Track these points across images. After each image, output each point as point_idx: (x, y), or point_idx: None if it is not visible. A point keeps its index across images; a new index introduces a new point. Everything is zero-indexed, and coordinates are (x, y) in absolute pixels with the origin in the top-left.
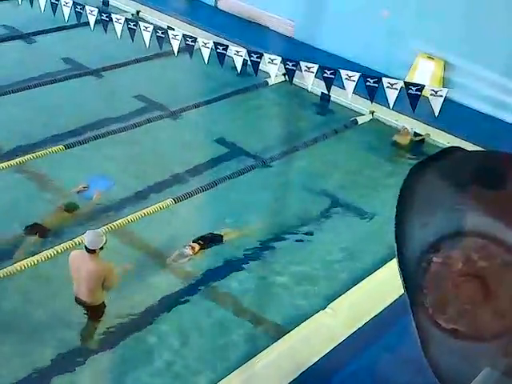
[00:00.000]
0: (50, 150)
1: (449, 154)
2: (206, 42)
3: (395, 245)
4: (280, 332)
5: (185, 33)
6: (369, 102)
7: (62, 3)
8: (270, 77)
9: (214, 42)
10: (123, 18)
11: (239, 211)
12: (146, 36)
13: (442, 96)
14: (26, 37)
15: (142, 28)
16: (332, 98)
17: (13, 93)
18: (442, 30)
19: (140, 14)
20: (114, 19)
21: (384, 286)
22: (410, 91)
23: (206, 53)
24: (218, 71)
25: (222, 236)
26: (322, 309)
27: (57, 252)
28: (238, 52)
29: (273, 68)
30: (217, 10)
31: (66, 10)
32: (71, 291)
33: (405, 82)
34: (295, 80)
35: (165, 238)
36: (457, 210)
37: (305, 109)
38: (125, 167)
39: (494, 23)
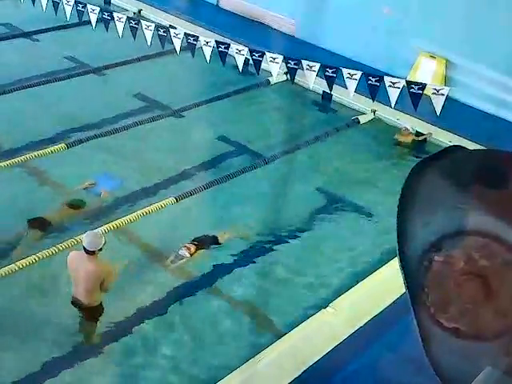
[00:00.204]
0: (51, 148)
1: (450, 153)
2: (207, 40)
3: (397, 244)
4: (281, 331)
5: (187, 31)
6: (370, 100)
7: (64, 2)
8: (271, 75)
9: (215, 41)
10: (125, 17)
11: (239, 210)
12: (148, 35)
13: (443, 95)
14: (28, 35)
15: (144, 27)
16: (334, 97)
17: (14, 91)
18: (443, 29)
19: (142, 12)
20: (115, 18)
21: (385, 284)
22: (411, 90)
23: (207, 51)
24: (219, 70)
25: (217, 238)
26: (323, 308)
27: (58, 250)
28: (239, 51)
29: (274, 67)
30: (219, 8)
31: (68, 9)
32: (70, 291)
33: (407, 81)
34: (297, 79)
35: (165, 236)
36: (458, 209)
37: (306, 107)
38: (126, 166)
39: (496, 22)
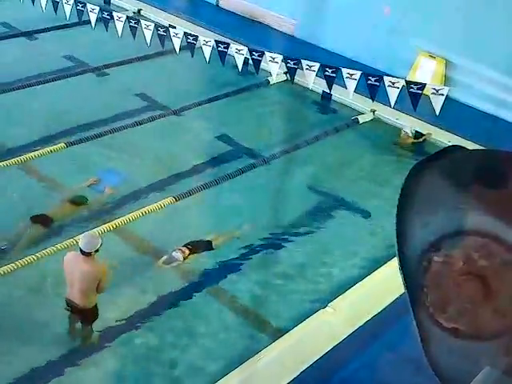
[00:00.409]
0: (50, 148)
1: (449, 153)
2: (207, 40)
3: (396, 244)
4: (281, 330)
5: (186, 31)
6: (370, 100)
7: (64, 1)
8: (271, 75)
9: (215, 41)
10: (124, 16)
11: (238, 210)
12: (148, 34)
13: (443, 95)
14: (28, 35)
15: (144, 26)
16: (333, 97)
17: (14, 90)
18: (443, 29)
19: (141, 12)
20: (115, 17)
21: (385, 284)
22: (411, 90)
23: (207, 51)
24: (219, 69)
25: (211, 243)
26: (322, 307)
27: (56, 249)
28: (239, 50)
29: (274, 66)
30: (218, 8)
31: (68, 8)
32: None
33: (406, 81)
34: (296, 78)
35: (163, 236)
36: (458, 210)
37: (306, 107)
38: (125, 165)
39: (496, 22)
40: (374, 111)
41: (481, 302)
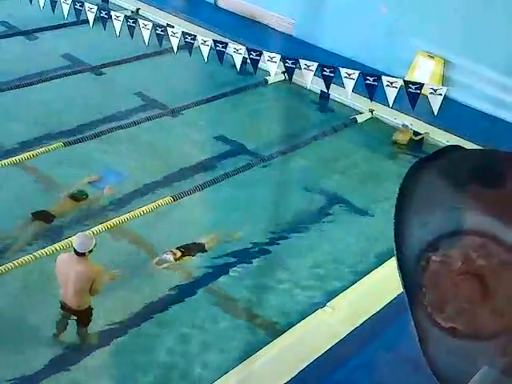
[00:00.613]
0: (48, 147)
1: (447, 152)
2: (205, 39)
3: (394, 243)
4: (279, 330)
5: (184, 30)
6: (368, 100)
7: (62, 0)
8: (269, 75)
9: (213, 40)
10: (122, 16)
11: (237, 209)
12: (146, 33)
13: (441, 94)
14: (26, 34)
15: (142, 25)
16: (331, 97)
17: (12, 89)
18: (441, 29)
19: (140, 11)
20: (113, 16)
21: (383, 284)
22: (409, 90)
23: (205, 50)
24: (217, 69)
25: (204, 245)
26: (321, 307)
27: (55, 250)
28: (237, 50)
29: (272, 66)
30: (217, 7)
31: (66, 7)
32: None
33: (404, 81)
34: (295, 78)
35: (161, 235)
36: (456, 209)
37: (304, 107)
38: (123, 164)
39: (494, 22)
40: (372, 111)
41: (479, 301)
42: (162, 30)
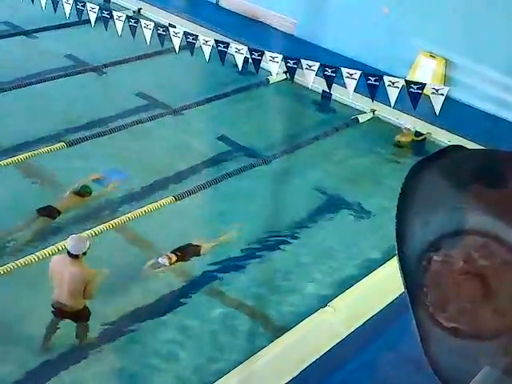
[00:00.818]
0: (51, 147)
1: (449, 152)
2: (207, 39)
3: (396, 243)
4: (280, 330)
5: (186, 30)
6: (370, 100)
7: (63, 0)
8: (271, 75)
9: (215, 40)
10: (124, 16)
11: (238, 209)
12: (147, 33)
13: (443, 94)
14: (28, 34)
15: (143, 25)
16: (333, 97)
17: (14, 89)
18: (443, 29)
19: (141, 11)
20: (115, 16)
21: (384, 284)
22: (411, 89)
23: (207, 50)
24: (219, 69)
25: (199, 249)
26: (322, 307)
27: (55, 250)
28: (239, 50)
29: (274, 66)
30: (218, 7)
31: (67, 7)
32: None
33: (406, 81)
34: (296, 78)
35: (162, 236)
36: (457, 209)
37: (306, 107)
38: (125, 164)
39: (496, 22)
40: (373, 111)
41: (481, 301)
42: (163, 30)
